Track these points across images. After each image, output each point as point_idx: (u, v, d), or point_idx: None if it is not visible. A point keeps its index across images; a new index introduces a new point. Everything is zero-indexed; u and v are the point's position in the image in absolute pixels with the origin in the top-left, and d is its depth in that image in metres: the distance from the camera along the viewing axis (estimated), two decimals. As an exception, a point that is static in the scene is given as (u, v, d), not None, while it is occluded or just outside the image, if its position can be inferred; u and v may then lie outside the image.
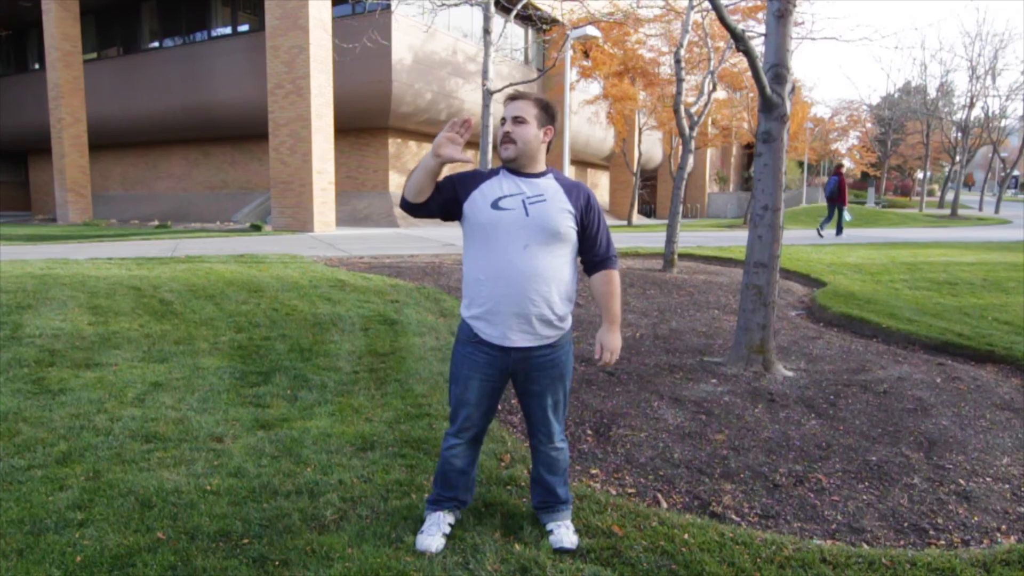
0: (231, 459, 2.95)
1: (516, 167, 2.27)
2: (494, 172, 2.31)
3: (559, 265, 2.25)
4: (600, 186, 36.62)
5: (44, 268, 7.41)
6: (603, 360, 2.36)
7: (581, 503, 2.63)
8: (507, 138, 2.22)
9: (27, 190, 30.93)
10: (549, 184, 2.28)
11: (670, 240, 9.58)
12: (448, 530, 2.37)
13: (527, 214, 2.21)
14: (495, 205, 2.23)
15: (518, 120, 2.22)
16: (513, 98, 2.26)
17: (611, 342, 2.35)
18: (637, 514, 2.55)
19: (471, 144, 24.71)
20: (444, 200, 2.27)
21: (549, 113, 2.28)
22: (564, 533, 2.35)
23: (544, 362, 2.29)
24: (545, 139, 2.27)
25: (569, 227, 2.25)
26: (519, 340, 2.24)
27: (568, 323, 2.35)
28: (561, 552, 2.29)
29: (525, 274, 2.20)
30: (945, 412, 3.82)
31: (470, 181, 2.29)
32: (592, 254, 2.35)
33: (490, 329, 2.25)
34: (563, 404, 2.39)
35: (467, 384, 2.31)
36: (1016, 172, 62.93)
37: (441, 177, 2.29)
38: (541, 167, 2.31)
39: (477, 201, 2.25)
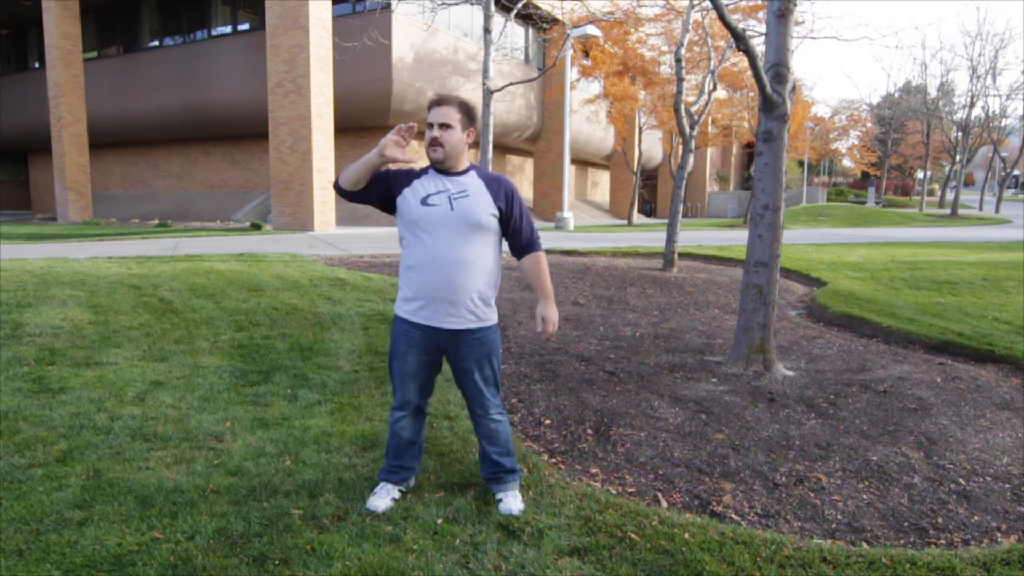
0: (231, 458, 2.95)
1: (443, 168, 2.50)
2: (424, 171, 2.54)
3: (483, 254, 2.48)
4: (600, 185, 36.63)
5: (44, 267, 7.40)
6: (545, 333, 2.60)
7: (582, 502, 2.63)
8: (435, 142, 2.44)
9: (27, 189, 30.93)
10: (472, 181, 2.51)
11: (670, 239, 9.58)
12: (397, 495, 2.62)
13: (452, 208, 2.44)
14: (424, 201, 2.47)
15: (444, 126, 2.43)
16: (437, 103, 2.46)
17: (550, 314, 2.59)
18: (637, 513, 2.55)
19: (471, 144, 24.75)
20: (380, 193, 2.53)
21: (471, 116, 2.50)
22: (512, 501, 2.57)
23: (471, 340, 2.52)
24: (468, 140, 2.50)
25: (491, 217, 2.48)
26: (448, 323, 2.48)
27: (492, 307, 2.57)
28: (509, 518, 2.48)
29: (451, 263, 2.43)
30: (945, 412, 3.82)
31: (403, 179, 2.52)
32: (517, 240, 2.58)
33: (423, 312, 2.48)
34: (494, 379, 2.61)
35: (405, 359, 2.56)
36: (1016, 172, 62.89)
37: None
38: (465, 165, 2.55)
39: (408, 198, 2.49)
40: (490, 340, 2.56)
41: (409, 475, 2.68)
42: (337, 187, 2.55)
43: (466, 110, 2.47)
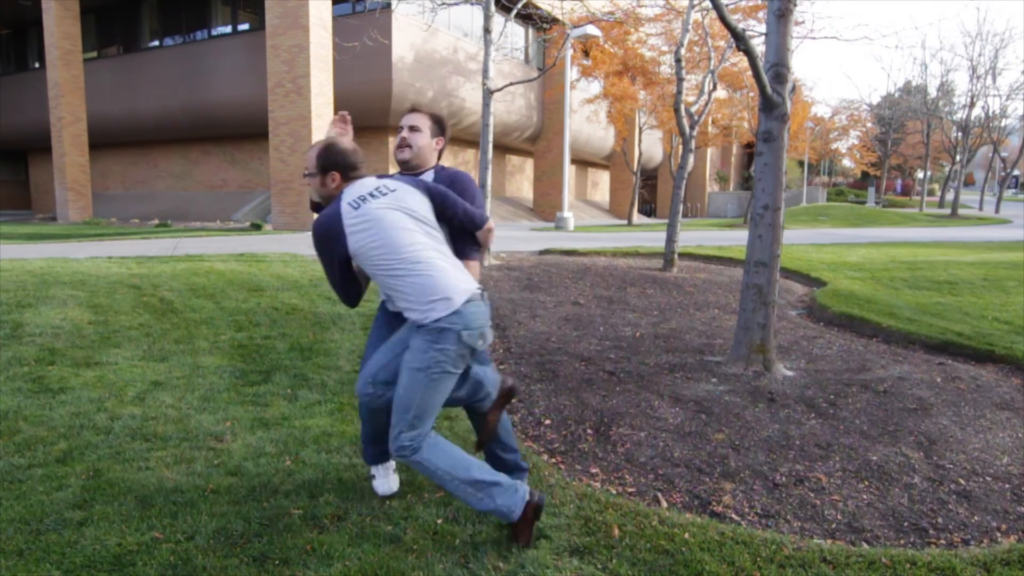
0: (231, 458, 2.95)
1: (409, 169, 2.53)
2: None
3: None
4: (600, 185, 36.63)
5: (44, 267, 7.40)
6: None
7: (582, 502, 2.63)
8: (403, 143, 2.49)
9: (27, 189, 30.93)
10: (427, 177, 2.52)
11: (670, 239, 9.58)
12: (394, 466, 2.67)
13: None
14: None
15: (413, 128, 2.49)
16: (410, 110, 2.54)
17: None
18: (637, 513, 2.55)
19: (471, 143, 24.77)
20: None
21: (441, 125, 2.55)
22: None
23: None
24: (437, 147, 2.54)
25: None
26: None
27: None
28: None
29: None
30: (945, 412, 3.82)
31: None
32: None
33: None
34: (485, 358, 2.54)
35: (378, 332, 2.54)
36: (1016, 172, 62.91)
37: None
38: (428, 167, 2.56)
39: None
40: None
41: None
42: (313, 204, 2.51)
43: (436, 119, 2.53)
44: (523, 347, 5.14)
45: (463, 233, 2.42)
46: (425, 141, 2.49)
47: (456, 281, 2.16)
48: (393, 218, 2.17)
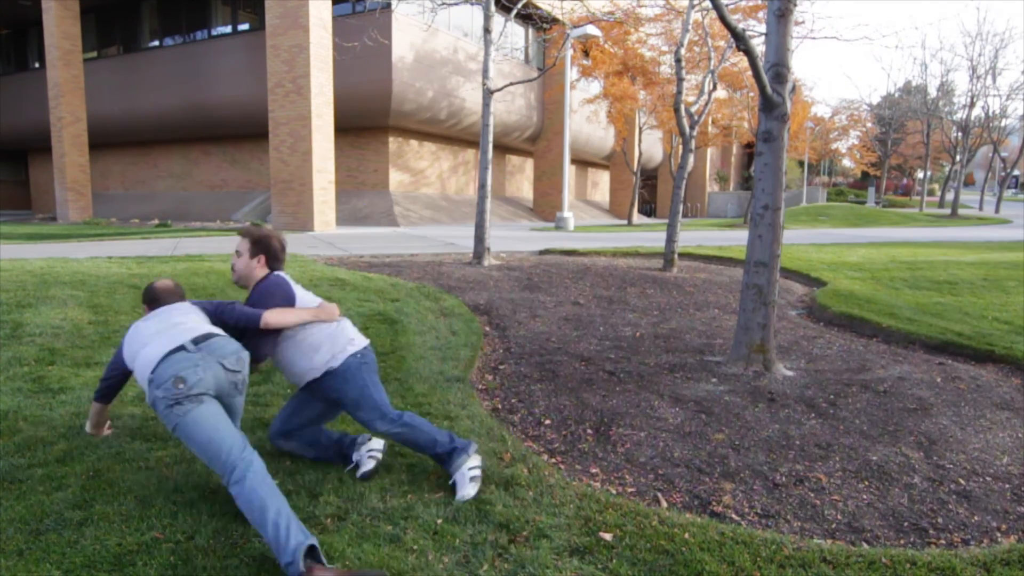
0: (231, 458, 2.94)
1: (242, 286, 2.97)
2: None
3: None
4: (600, 185, 36.64)
5: (44, 267, 7.40)
6: None
7: (582, 502, 2.63)
8: (232, 268, 2.97)
9: (27, 189, 30.93)
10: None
11: (670, 239, 9.58)
12: (379, 456, 2.89)
13: None
14: None
15: (238, 254, 2.92)
16: (239, 235, 2.98)
17: None
18: (637, 513, 2.55)
19: (471, 143, 24.78)
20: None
21: (258, 245, 2.91)
22: (460, 484, 2.70)
23: (324, 386, 2.82)
24: (259, 264, 2.91)
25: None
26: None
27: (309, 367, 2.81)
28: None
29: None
30: (945, 412, 3.82)
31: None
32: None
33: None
34: (363, 404, 2.81)
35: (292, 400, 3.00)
36: (1016, 172, 62.90)
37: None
38: (254, 281, 2.93)
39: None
40: (340, 381, 2.82)
41: (351, 445, 2.91)
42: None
43: (255, 241, 2.90)
44: (523, 347, 5.14)
45: (255, 332, 2.75)
46: (243, 264, 2.90)
47: (157, 346, 2.47)
48: (159, 318, 2.67)
